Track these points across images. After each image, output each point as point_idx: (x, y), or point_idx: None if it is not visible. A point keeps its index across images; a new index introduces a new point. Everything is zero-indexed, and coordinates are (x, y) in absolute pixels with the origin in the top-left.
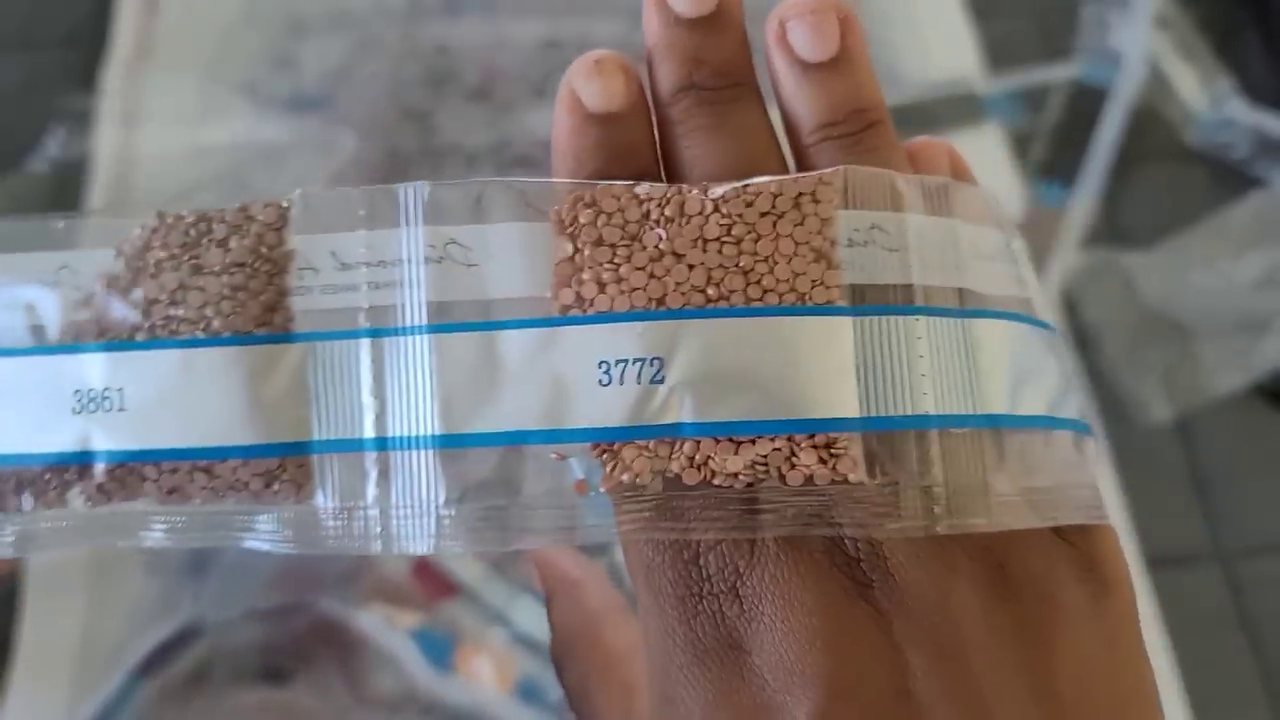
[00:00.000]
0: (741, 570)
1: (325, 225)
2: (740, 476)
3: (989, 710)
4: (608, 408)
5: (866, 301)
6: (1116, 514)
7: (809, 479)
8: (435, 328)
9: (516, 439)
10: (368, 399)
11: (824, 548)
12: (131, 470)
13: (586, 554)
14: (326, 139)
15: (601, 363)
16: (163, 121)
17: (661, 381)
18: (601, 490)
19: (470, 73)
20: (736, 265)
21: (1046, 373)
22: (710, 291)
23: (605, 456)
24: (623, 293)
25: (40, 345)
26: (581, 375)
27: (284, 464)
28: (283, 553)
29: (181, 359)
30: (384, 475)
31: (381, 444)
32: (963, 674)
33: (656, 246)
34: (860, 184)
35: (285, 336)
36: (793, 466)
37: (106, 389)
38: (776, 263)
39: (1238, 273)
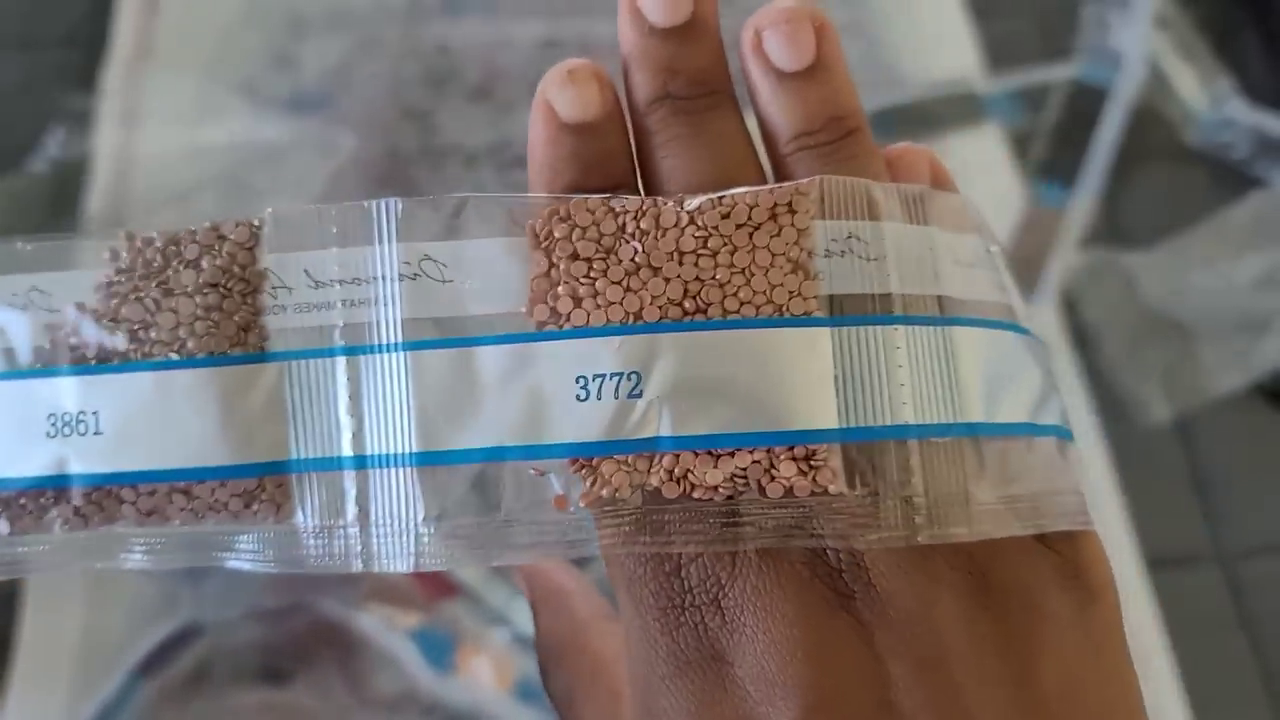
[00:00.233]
0: (723, 582)
1: (298, 243)
2: (720, 489)
3: None
4: (586, 422)
5: (845, 312)
6: (1116, 514)
7: (789, 490)
8: (411, 344)
9: (495, 455)
10: (345, 417)
11: (805, 559)
12: (109, 493)
13: (573, 564)
14: (326, 139)
15: (579, 377)
16: (163, 121)
17: (639, 395)
18: (581, 505)
19: (471, 72)
20: (713, 278)
21: (1028, 379)
22: (687, 304)
23: (584, 471)
24: (599, 307)
25: (11, 369)
26: (559, 390)
27: (263, 484)
28: (264, 572)
29: (156, 381)
30: (363, 493)
31: (360, 462)
32: (945, 685)
33: (632, 260)
34: (836, 194)
35: (260, 356)
36: (772, 478)
37: (81, 412)
38: (753, 274)
39: (1238, 273)
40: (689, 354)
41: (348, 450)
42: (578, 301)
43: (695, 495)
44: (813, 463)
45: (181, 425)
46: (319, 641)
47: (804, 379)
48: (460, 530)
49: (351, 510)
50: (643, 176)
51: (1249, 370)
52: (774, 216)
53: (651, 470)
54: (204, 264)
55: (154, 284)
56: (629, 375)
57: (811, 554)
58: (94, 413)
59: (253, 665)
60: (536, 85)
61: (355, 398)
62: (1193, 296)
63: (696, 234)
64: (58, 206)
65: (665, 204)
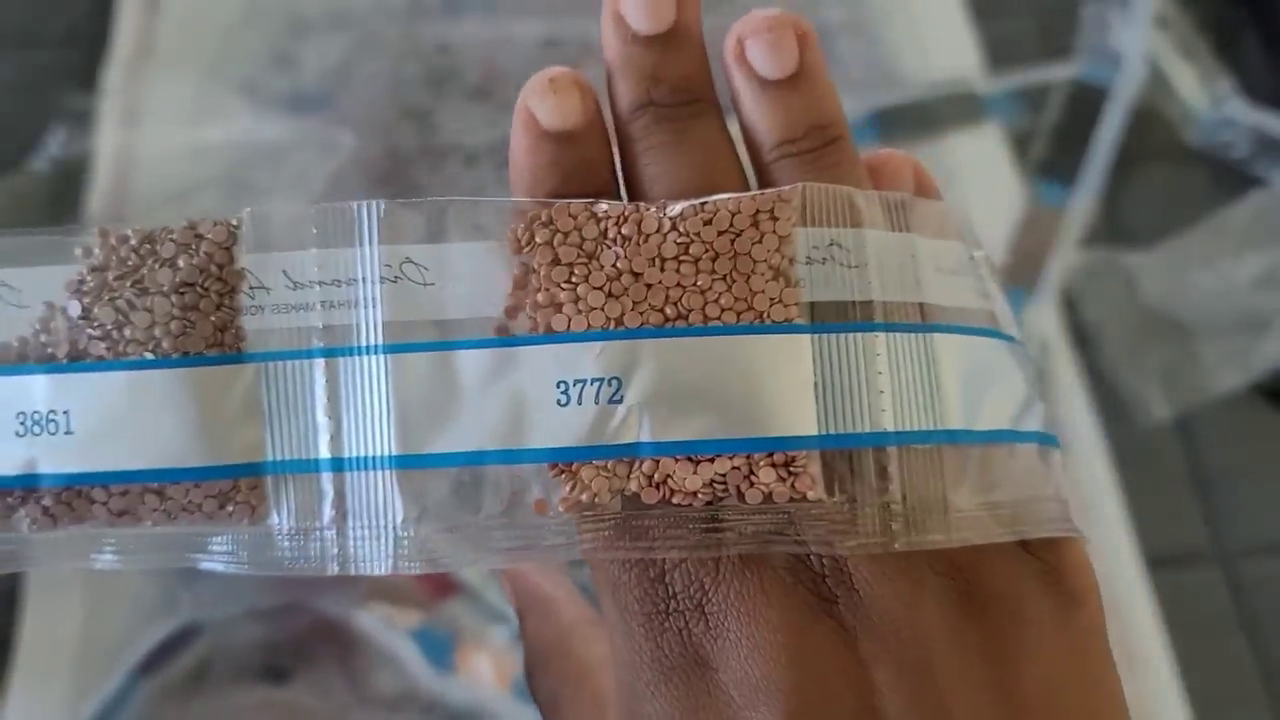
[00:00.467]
0: (707, 587)
1: (276, 244)
2: (699, 495)
3: None
4: (566, 427)
5: (825, 319)
6: (1116, 514)
7: (768, 497)
8: (392, 347)
9: (475, 459)
10: (323, 419)
11: (789, 564)
12: (79, 493)
13: (559, 569)
14: (326, 138)
15: (560, 382)
16: (163, 121)
17: (620, 401)
18: (560, 510)
19: (471, 72)
20: (694, 284)
21: (1010, 386)
22: (668, 311)
23: (563, 476)
24: (580, 312)
25: None
26: (540, 395)
27: (238, 485)
28: (238, 574)
29: (130, 381)
30: (340, 496)
31: (337, 465)
32: (928, 691)
33: (614, 265)
34: (818, 201)
35: (237, 357)
36: (751, 485)
37: (51, 411)
38: (734, 281)
39: (1237, 272)
40: (670, 360)
41: (325, 452)
42: (559, 307)
43: (675, 501)
44: (792, 469)
45: (155, 425)
46: (319, 640)
47: (784, 386)
48: (439, 534)
49: (328, 512)
50: (626, 184)
51: (1249, 369)
52: (756, 223)
53: (631, 475)
54: (180, 263)
55: (128, 283)
56: (610, 381)
57: (795, 560)
58: (65, 412)
59: (253, 664)
60: None
61: (334, 400)
62: (1193, 296)
63: (678, 240)
64: (59, 206)
65: (647, 210)
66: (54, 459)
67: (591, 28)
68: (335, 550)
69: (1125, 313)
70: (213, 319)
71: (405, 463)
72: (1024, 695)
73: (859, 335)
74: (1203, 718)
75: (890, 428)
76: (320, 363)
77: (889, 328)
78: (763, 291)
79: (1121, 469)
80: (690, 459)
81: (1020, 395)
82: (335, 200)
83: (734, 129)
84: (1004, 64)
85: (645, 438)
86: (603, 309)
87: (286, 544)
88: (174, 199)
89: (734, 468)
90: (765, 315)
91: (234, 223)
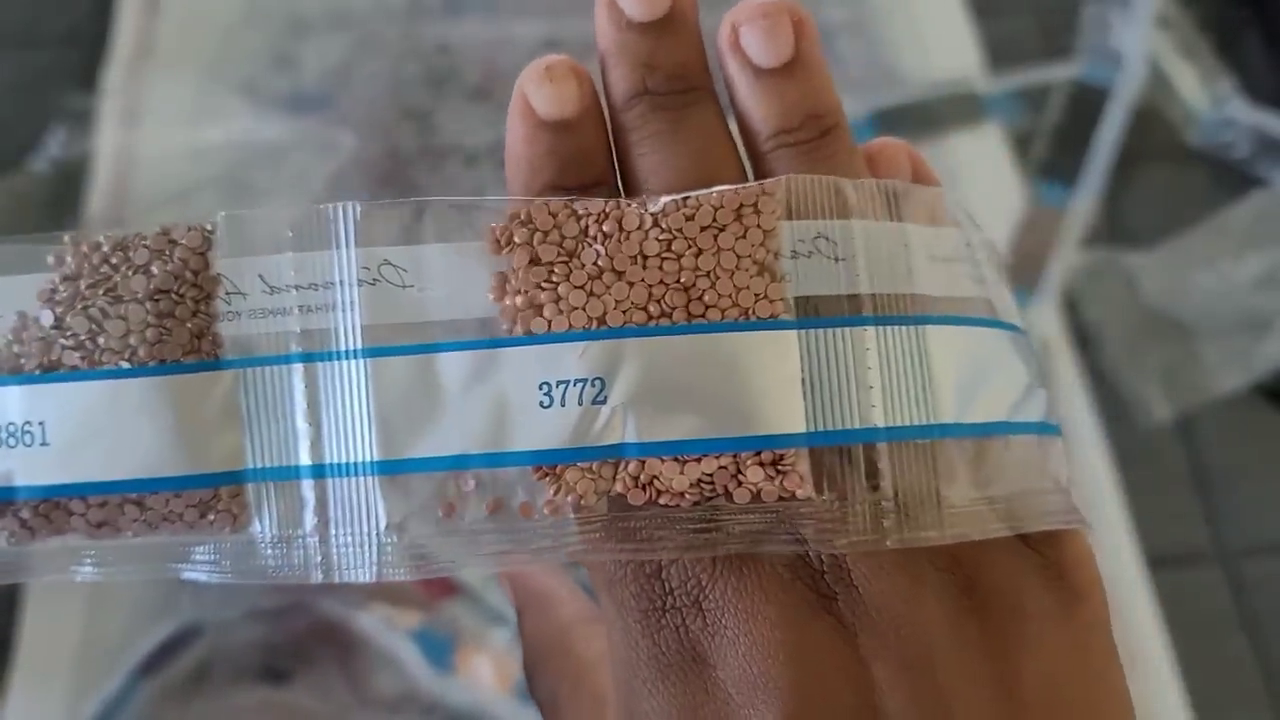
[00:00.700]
0: (704, 584)
1: (251, 248)
2: (686, 495)
3: None
4: (550, 429)
5: (812, 313)
6: (1117, 514)
7: (756, 496)
8: (371, 351)
9: (458, 463)
10: (302, 425)
11: (787, 561)
12: (57, 505)
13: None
14: (326, 139)
15: (542, 384)
16: (163, 121)
17: (604, 402)
18: (545, 513)
19: (471, 72)
20: (678, 281)
21: (1008, 376)
22: (651, 309)
23: (548, 479)
24: (561, 312)
25: None
26: (522, 397)
27: (218, 494)
28: (222, 583)
29: (106, 390)
30: (322, 503)
31: (319, 471)
32: (929, 688)
33: (595, 263)
34: (804, 193)
35: (214, 364)
36: (739, 484)
37: (27, 423)
38: (718, 278)
39: (1238, 272)
40: (654, 359)
41: (306, 459)
42: (540, 307)
43: (662, 502)
44: (780, 467)
45: (133, 435)
46: (319, 641)
47: (771, 383)
48: (424, 539)
49: (310, 520)
50: (622, 174)
51: (1250, 369)
52: (739, 218)
53: (617, 477)
54: (154, 269)
55: (101, 290)
56: (593, 381)
57: (793, 556)
58: (40, 423)
59: (253, 665)
60: None
61: (313, 405)
62: (1194, 296)
63: (660, 237)
64: (59, 206)
65: (628, 206)
66: (30, 471)
67: (592, 28)
68: (319, 558)
69: (1126, 313)
70: (189, 326)
71: (387, 468)
72: (1025, 691)
73: (847, 329)
74: (1203, 718)
75: (880, 423)
76: (299, 368)
77: (878, 320)
78: (747, 287)
79: (1122, 469)
80: (677, 459)
81: (1019, 385)
82: (335, 201)
83: (733, 125)
84: (1005, 64)
85: (630, 438)
86: (584, 308)
87: (269, 552)
88: (174, 199)
89: (721, 467)
90: (750, 311)
91: (208, 227)
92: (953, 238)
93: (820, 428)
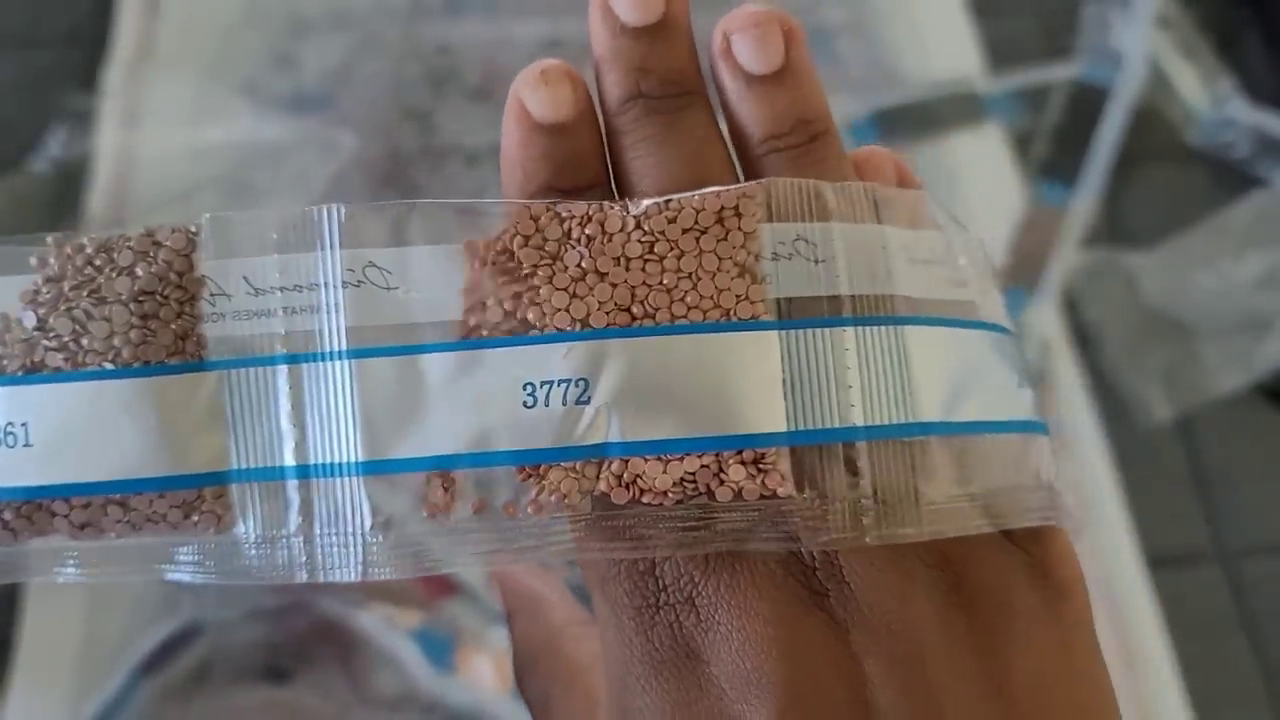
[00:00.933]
0: (697, 580)
1: (236, 250)
2: (669, 494)
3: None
4: (533, 429)
5: (793, 315)
6: (1117, 514)
7: (738, 494)
8: (356, 352)
9: (443, 463)
10: (287, 426)
11: (779, 557)
12: (40, 507)
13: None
14: (327, 139)
15: (526, 384)
16: (164, 121)
17: (587, 402)
18: (529, 513)
19: (471, 72)
20: (660, 283)
21: (990, 375)
22: (634, 310)
23: (531, 479)
24: (545, 314)
25: None
26: (506, 397)
27: (202, 495)
28: (206, 583)
29: (89, 391)
30: (307, 503)
31: (303, 472)
32: (919, 683)
33: (578, 266)
34: (784, 196)
35: (199, 365)
36: (721, 482)
37: (9, 424)
38: (700, 279)
39: (1238, 272)
40: (636, 360)
41: (290, 460)
42: (524, 308)
43: (645, 500)
44: (761, 466)
45: (117, 436)
46: (320, 641)
47: (752, 383)
48: (409, 538)
49: (295, 520)
50: (615, 176)
51: (1250, 369)
52: (720, 220)
53: (600, 476)
54: (139, 271)
55: (85, 292)
56: (576, 382)
57: (785, 553)
58: (23, 424)
59: (254, 664)
60: None
61: (298, 406)
62: (1194, 296)
63: (643, 239)
64: (59, 206)
65: (611, 209)
66: (12, 472)
67: None
68: (304, 558)
69: (1126, 313)
70: (173, 327)
71: (372, 468)
72: (1013, 688)
73: (827, 330)
74: (1203, 718)
75: (860, 422)
76: (283, 369)
77: (857, 321)
78: (729, 289)
79: (1122, 469)
80: (660, 458)
81: (1002, 384)
82: (335, 202)
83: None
84: (1005, 64)
85: (614, 438)
86: (567, 310)
87: (254, 552)
88: (174, 199)
89: (703, 466)
90: (732, 313)
91: (193, 229)
92: (933, 241)
93: (801, 427)
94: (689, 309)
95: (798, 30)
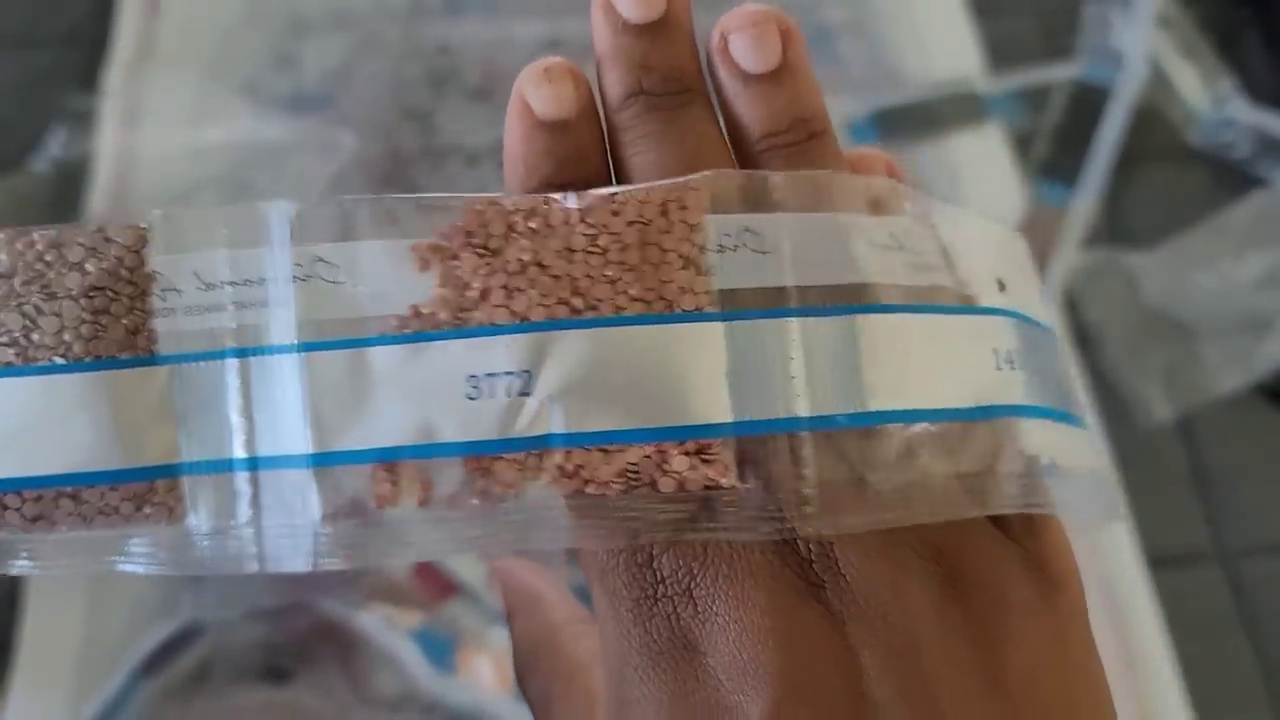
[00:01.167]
0: (695, 571)
1: (186, 245)
2: (612, 485)
3: (941, 711)
4: (478, 421)
5: (738, 306)
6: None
7: (681, 485)
8: (304, 346)
9: (389, 455)
10: (237, 419)
11: (776, 549)
12: None
13: (548, 565)
14: (327, 139)
15: (470, 377)
16: (164, 121)
17: (530, 394)
18: (474, 503)
19: (471, 72)
20: (604, 275)
21: (959, 360)
22: (576, 302)
23: (477, 470)
24: (488, 307)
25: None
26: (451, 389)
27: (154, 487)
28: (159, 574)
29: (40, 385)
30: (257, 495)
31: (253, 464)
32: (915, 675)
33: (519, 259)
34: (730, 187)
35: (150, 359)
36: (664, 473)
37: None
38: (644, 271)
39: (1239, 272)
40: (580, 351)
41: (240, 452)
42: (468, 301)
43: (589, 491)
44: (705, 456)
45: (68, 430)
46: (320, 641)
47: (696, 374)
48: (357, 529)
49: (245, 512)
50: (616, 173)
51: (1251, 370)
52: (665, 212)
53: (544, 467)
54: (89, 267)
55: (36, 287)
56: (519, 374)
57: (782, 544)
58: None
59: (254, 665)
60: None
61: (247, 400)
62: (1194, 296)
63: (586, 232)
64: (59, 206)
65: (555, 202)
66: None
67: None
68: (254, 548)
69: (1127, 313)
70: (124, 322)
71: (320, 460)
72: (1009, 679)
73: (771, 321)
74: (1203, 718)
75: (804, 413)
76: (233, 363)
77: (804, 312)
78: (673, 281)
79: (1123, 469)
80: (603, 449)
81: (974, 369)
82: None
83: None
84: (1005, 64)
85: (557, 429)
86: (509, 304)
87: (205, 544)
88: (175, 200)
89: (646, 456)
90: (675, 304)
91: (143, 225)
92: (898, 226)
93: (744, 418)
94: (632, 300)
95: (795, 30)
